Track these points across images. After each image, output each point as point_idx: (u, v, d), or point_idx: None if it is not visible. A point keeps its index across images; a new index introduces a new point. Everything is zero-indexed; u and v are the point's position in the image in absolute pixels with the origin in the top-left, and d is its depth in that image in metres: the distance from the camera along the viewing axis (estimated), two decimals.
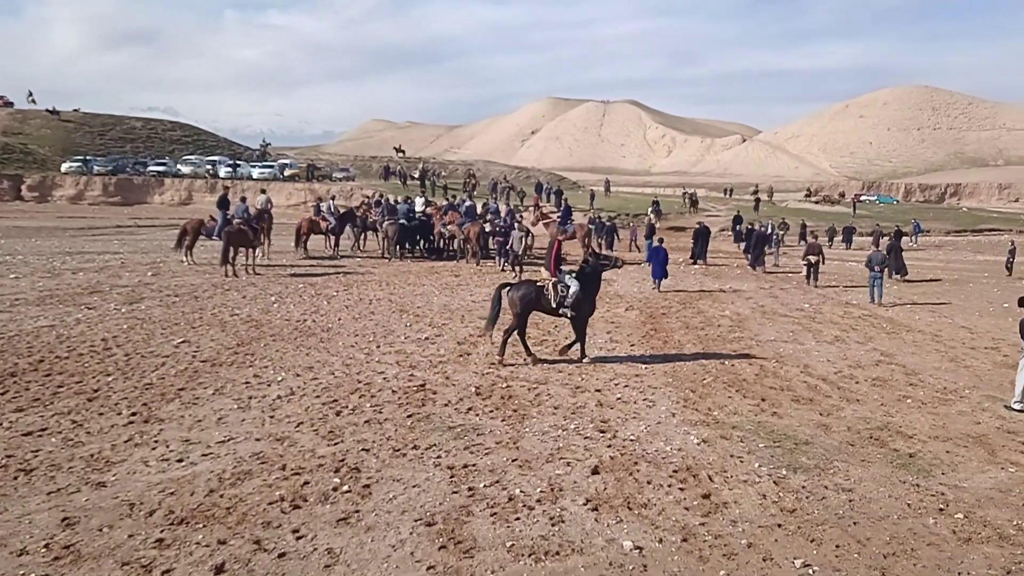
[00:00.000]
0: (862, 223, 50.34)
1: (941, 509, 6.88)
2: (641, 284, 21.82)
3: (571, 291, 11.87)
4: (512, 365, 11.74)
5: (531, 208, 40.39)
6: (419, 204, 32.15)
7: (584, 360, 12.13)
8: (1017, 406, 10.36)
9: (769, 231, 31.15)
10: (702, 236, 28.22)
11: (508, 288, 12.19)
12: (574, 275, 12.11)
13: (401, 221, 26.96)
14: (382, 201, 31.88)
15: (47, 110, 72.04)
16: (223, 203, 24.14)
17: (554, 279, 12.06)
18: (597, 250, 28.18)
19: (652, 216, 41.19)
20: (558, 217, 30.38)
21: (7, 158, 58.88)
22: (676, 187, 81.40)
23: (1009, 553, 6.11)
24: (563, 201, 38.41)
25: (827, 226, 45.71)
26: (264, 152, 77.73)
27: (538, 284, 12.14)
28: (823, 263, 24.42)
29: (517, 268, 22.34)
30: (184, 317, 14.70)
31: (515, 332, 12.11)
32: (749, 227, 31.45)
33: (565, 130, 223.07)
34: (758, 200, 60.15)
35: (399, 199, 33.32)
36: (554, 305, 11.97)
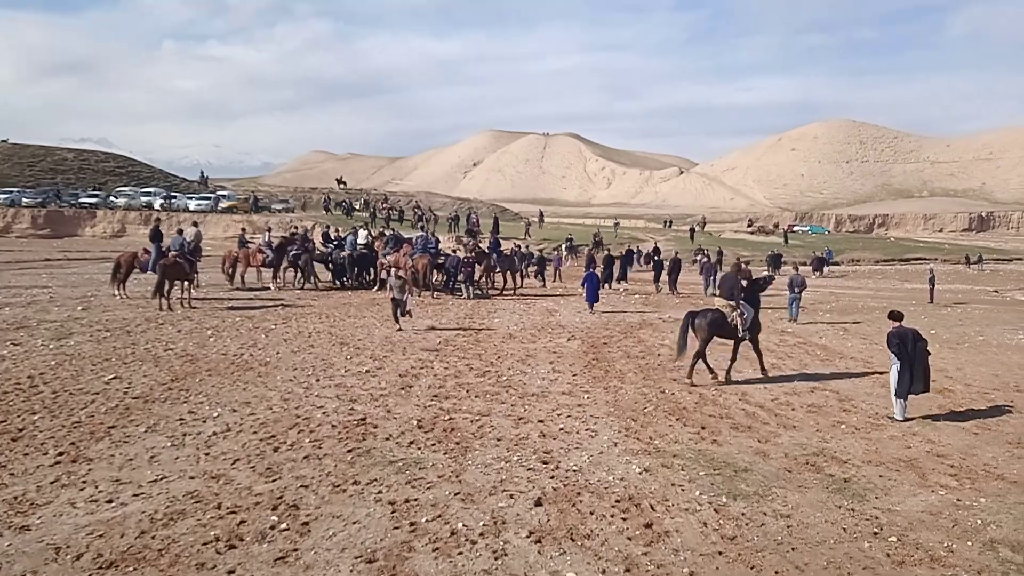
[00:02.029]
0: (795, 253, 51.84)
1: (875, 533, 7.03)
2: (583, 315, 21.97)
3: (748, 317, 12.84)
4: (456, 398, 11.67)
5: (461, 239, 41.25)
6: (362, 236, 31.76)
7: (765, 375, 13.44)
8: (898, 416, 11.02)
9: (714, 260, 33.15)
10: (610, 263, 31.74)
11: (695, 316, 12.97)
12: (745, 301, 13.04)
13: (300, 253, 26.51)
14: (306, 234, 31.25)
15: None
16: (156, 235, 23.66)
17: (739, 309, 12.87)
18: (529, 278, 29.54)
19: (564, 251, 43.86)
20: (489, 247, 30.89)
21: None
22: (615, 218, 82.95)
23: (940, 574, 6.26)
24: (494, 233, 38.89)
25: (763, 255, 47.17)
26: (205, 183, 76.58)
27: (724, 312, 12.92)
28: None
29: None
30: (115, 352, 14.27)
31: (701, 356, 12.94)
32: (655, 256, 35.11)
33: (507, 162, 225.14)
34: (693, 230, 61.85)
35: (340, 231, 32.95)
36: (737, 331, 12.89)
